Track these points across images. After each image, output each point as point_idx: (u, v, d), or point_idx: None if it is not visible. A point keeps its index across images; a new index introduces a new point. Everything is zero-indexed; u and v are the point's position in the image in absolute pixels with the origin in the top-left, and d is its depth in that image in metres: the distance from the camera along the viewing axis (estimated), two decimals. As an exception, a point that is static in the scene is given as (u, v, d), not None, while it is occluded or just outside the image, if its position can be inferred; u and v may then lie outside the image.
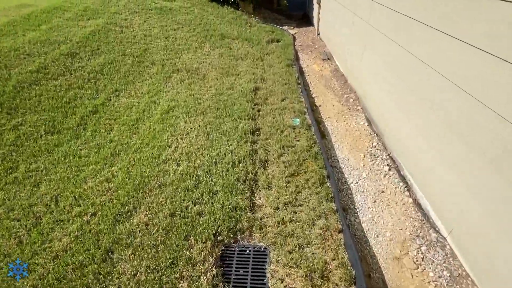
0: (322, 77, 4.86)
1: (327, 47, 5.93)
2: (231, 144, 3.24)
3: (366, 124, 3.48)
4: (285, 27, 7.62)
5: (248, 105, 3.99)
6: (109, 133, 3.39)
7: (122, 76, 4.50)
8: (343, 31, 4.58)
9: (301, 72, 5.19)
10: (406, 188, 2.54)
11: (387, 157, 2.91)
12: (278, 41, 6.68)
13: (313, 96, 4.37)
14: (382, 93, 3.25)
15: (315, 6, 7.08)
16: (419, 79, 2.44)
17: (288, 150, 3.14)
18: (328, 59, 5.41)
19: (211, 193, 2.60)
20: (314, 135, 3.39)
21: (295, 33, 7.24)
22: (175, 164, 2.95)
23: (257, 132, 3.52)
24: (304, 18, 8.39)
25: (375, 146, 3.08)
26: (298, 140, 3.31)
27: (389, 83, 3.03)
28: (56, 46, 4.69)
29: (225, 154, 3.08)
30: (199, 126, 3.55)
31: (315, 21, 7.31)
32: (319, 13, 6.41)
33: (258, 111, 3.97)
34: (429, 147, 2.34)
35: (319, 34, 6.76)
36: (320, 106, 4.03)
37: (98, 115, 3.68)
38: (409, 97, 2.62)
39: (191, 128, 3.51)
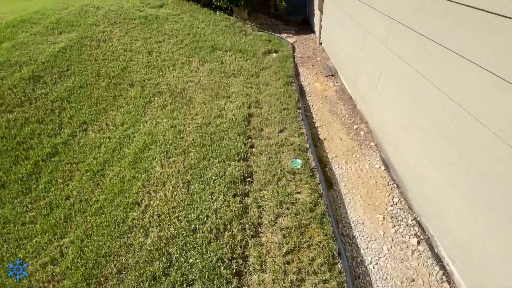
0: (326, 99, 4.21)
1: (331, 61, 5.27)
2: (216, 200, 2.61)
3: (383, 168, 2.84)
4: (284, 35, 6.95)
5: (239, 140, 3.35)
6: (67, 185, 2.76)
7: (94, 103, 3.87)
8: (352, 48, 3.92)
9: (301, 92, 4.54)
10: (444, 276, 1.91)
11: (414, 222, 2.28)
12: (275, 52, 6.02)
13: (316, 125, 3.73)
14: (402, 132, 2.61)
15: (317, 12, 6.41)
16: (455, 127, 1.81)
17: (287, 209, 2.50)
18: (333, 75, 4.76)
19: (184, 285, 1.98)
20: (319, 183, 2.76)
21: (295, 41, 6.57)
22: (143, 233, 2.32)
23: (249, 179, 2.88)
24: (304, 24, 7.72)
25: (396, 204, 2.44)
26: (299, 193, 2.67)
27: (414, 122, 2.40)
28: (17, 68, 4.06)
29: (207, 216, 2.45)
30: (179, 172, 2.91)
31: (316, 28, 6.64)
32: (321, 21, 5.74)
33: (251, 147, 3.34)
34: (477, 221, 1.71)
35: (321, 43, 6.09)
36: (325, 140, 3.39)
37: (57, 158, 3.05)
38: (444, 146, 1.99)
39: (168, 176, 2.87)
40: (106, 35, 5.27)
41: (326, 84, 4.56)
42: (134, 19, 6.06)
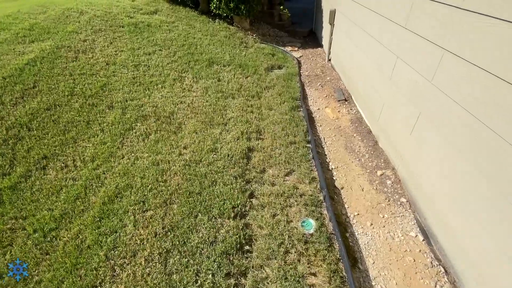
0: (340, 130, 3.57)
1: (343, 82, 4.66)
2: (202, 285, 1.94)
3: (421, 238, 2.20)
4: (288, 48, 6.35)
5: (236, 186, 2.69)
6: (4, 254, 2.07)
7: (61, 131, 3.19)
8: (373, 74, 3.29)
9: (310, 119, 3.90)
10: None
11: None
12: (279, 68, 5.40)
13: (330, 166, 3.08)
14: (453, 197, 1.98)
15: (325, 24, 5.82)
16: None
17: (299, 304, 1.84)
18: (346, 100, 4.14)
19: None
20: (339, 260, 2.10)
21: (300, 56, 5.97)
22: None
23: (248, 247, 2.21)
24: (310, 36, 7.14)
25: (448, 302, 1.80)
26: (314, 274, 2.01)
27: (475, 188, 1.77)
28: (-31, 85, 3.39)
29: (188, 315, 1.77)
30: (156, 235, 2.24)
31: (324, 42, 6.05)
32: (331, 35, 5.15)
33: (251, 196, 2.67)
34: None
35: (330, 60, 5.50)
36: (342, 188, 2.74)
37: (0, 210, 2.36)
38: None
39: (141, 241, 2.20)
40: (87, 45, 4.61)
41: (339, 111, 3.93)
42: (122, 27, 5.41)
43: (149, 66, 4.61)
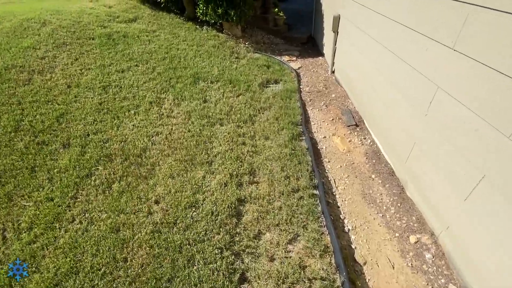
0: (354, 169, 2.87)
1: (351, 101, 3.96)
2: None
3: None
4: (285, 58, 5.64)
5: (221, 265, 1.98)
6: None
7: (-6, 184, 2.46)
8: (401, 107, 2.47)
9: (315, 152, 3.18)
10: None
11: None
12: (276, 82, 4.70)
13: (345, 226, 2.36)
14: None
15: (327, 31, 5.12)
16: None
17: None
18: (356, 125, 3.44)
19: None
20: None
21: (299, 67, 5.27)
22: None
23: None
24: (309, 42, 6.44)
25: None
26: None
27: None
28: None
29: None
30: None
31: (326, 51, 5.35)
32: (335, 44, 4.45)
33: (242, 279, 1.96)
34: None
35: (333, 72, 4.80)
36: (365, 264, 2.03)
37: None
38: None
39: None
40: (46, 63, 3.86)
41: (350, 141, 3.23)
42: (93, 39, 4.66)
43: (121, 87, 3.87)
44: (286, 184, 2.66)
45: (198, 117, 3.59)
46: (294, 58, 5.61)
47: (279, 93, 4.27)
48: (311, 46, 6.25)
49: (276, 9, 7.37)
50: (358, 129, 3.40)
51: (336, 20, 4.17)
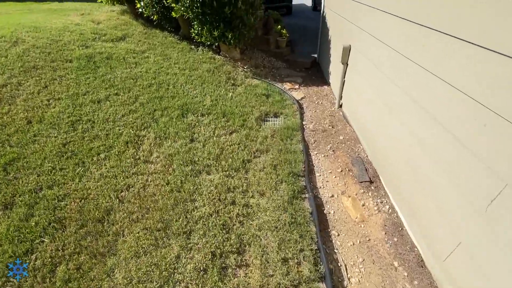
0: (370, 250, 2.26)
1: (362, 145, 3.39)
2: None
3: None
4: (287, 85, 5.12)
5: None
6: None
7: None
8: (441, 187, 1.87)
9: (321, 219, 2.58)
10: None
11: None
12: (276, 116, 4.14)
13: None
14: None
15: (334, 60, 4.62)
16: None
17: None
18: (371, 181, 2.86)
19: None
20: None
21: (302, 98, 4.73)
22: None
23: None
24: (314, 67, 5.95)
25: None
26: None
27: None
28: None
29: None
30: None
31: (332, 80, 4.84)
32: (343, 77, 3.93)
33: None
34: None
35: (341, 106, 4.26)
36: None
37: None
38: None
39: None
40: (6, 93, 3.30)
41: (363, 204, 2.63)
42: (70, 61, 4.13)
43: (93, 122, 3.30)
44: (284, 272, 2.05)
45: (182, 162, 3.01)
46: (297, 86, 5.08)
47: (279, 131, 3.70)
48: (315, 72, 5.75)
49: (279, 26, 6.92)
50: (373, 187, 2.81)
51: (347, 51, 3.65)
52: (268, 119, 4.09)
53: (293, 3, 13.32)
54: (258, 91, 4.63)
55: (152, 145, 3.22)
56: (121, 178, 2.74)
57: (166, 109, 3.80)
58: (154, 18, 5.47)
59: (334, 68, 4.62)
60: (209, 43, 5.25)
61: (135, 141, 3.22)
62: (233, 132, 3.65)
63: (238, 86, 4.77)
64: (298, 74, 5.60)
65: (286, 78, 5.42)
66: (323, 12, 5.38)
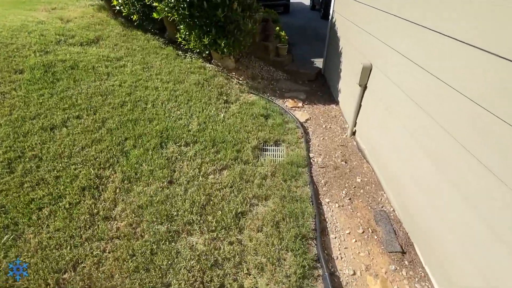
0: None
1: (386, 193, 2.71)
2: None
3: None
4: (289, 102, 4.40)
5: None
6: None
7: None
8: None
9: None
10: None
11: None
12: (277, 144, 3.43)
13: None
14: None
15: (347, 78, 3.93)
16: None
17: None
18: (403, 252, 2.20)
19: None
20: None
21: (307, 120, 4.02)
22: None
23: None
24: (318, 80, 5.24)
25: None
26: None
27: None
28: None
29: None
30: None
31: (342, 98, 4.15)
32: (360, 100, 3.24)
33: None
34: None
35: (354, 133, 3.57)
36: None
37: None
38: None
39: None
40: None
41: (397, 290, 1.97)
42: (20, 72, 3.30)
43: (40, 159, 2.52)
44: None
45: (155, 219, 2.28)
46: (300, 104, 4.37)
47: (281, 168, 2.99)
48: (320, 86, 5.04)
49: (278, 28, 6.18)
50: (406, 261, 2.14)
51: (367, 72, 2.96)
52: (268, 148, 3.37)
53: (290, 1, 12.58)
54: (256, 110, 3.90)
55: (117, 191, 2.46)
56: (68, 248, 1.99)
57: (140, 137, 3.04)
58: (134, 18, 4.65)
59: (346, 87, 3.93)
60: (198, 50, 4.46)
61: (95, 186, 2.45)
62: (224, 169, 2.92)
63: (232, 103, 4.02)
64: (301, 88, 4.88)
65: (287, 93, 4.70)
66: (332, 18, 4.66)
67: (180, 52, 4.89)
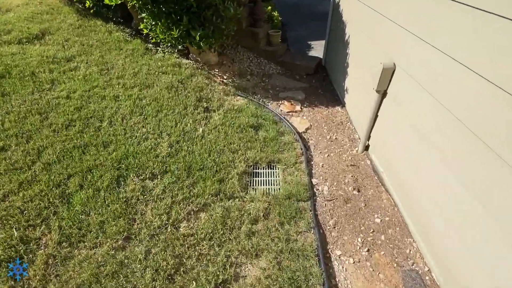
0: None
1: (417, 242, 2.02)
2: None
3: None
4: (284, 106, 3.62)
5: None
6: None
7: None
8: None
9: None
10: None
11: None
12: (271, 166, 2.71)
13: None
14: None
15: (353, 72, 3.13)
16: None
17: None
18: None
19: None
20: None
21: (307, 128, 3.27)
22: None
23: None
24: (318, 74, 4.41)
25: None
26: None
27: None
28: None
29: None
30: None
31: (350, 100, 3.38)
32: (377, 110, 2.48)
33: None
34: None
35: (367, 148, 2.85)
36: None
37: None
38: None
39: None
40: None
41: None
42: None
43: None
44: None
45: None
46: (298, 107, 3.59)
47: (277, 204, 2.31)
48: (321, 80, 4.23)
49: (270, 7, 5.25)
50: None
51: (388, 74, 2.18)
52: (259, 171, 2.66)
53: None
54: (244, 119, 3.14)
55: (50, 262, 1.77)
56: None
57: (90, 172, 2.30)
58: (87, 5, 3.71)
59: (356, 87, 3.15)
60: (170, 43, 3.59)
61: (16, 258, 1.76)
62: (202, 210, 2.24)
63: (215, 111, 3.25)
64: (299, 85, 4.08)
65: (282, 92, 3.90)
66: (335, -4, 3.76)
67: (150, 45, 4.01)
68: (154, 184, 2.34)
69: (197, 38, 3.09)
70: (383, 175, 2.53)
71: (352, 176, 2.63)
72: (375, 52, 2.52)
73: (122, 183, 2.29)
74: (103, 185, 2.23)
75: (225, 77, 3.91)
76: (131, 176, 2.35)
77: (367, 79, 2.62)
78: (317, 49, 5.03)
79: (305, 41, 5.57)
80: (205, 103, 3.31)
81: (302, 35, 5.73)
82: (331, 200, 2.42)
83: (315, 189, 2.54)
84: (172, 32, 3.03)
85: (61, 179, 2.21)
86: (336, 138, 3.13)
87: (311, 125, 3.32)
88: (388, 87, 2.29)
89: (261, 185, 2.55)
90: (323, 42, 4.54)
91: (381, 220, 2.22)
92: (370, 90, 2.45)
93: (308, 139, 3.15)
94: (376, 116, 2.55)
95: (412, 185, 2.09)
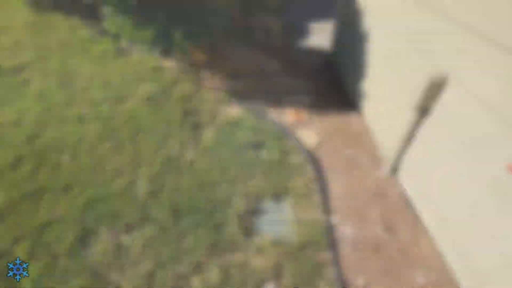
0: None
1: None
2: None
3: None
4: (288, 115, 3.01)
5: None
6: None
7: None
8: None
9: None
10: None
11: None
12: (276, 198, 2.18)
13: None
14: None
15: (375, 71, 2.53)
16: None
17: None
18: None
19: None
20: None
21: (318, 144, 2.71)
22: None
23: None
24: (326, 71, 3.76)
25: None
26: None
27: None
28: None
29: None
30: None
31: (368, 106, 2.80)
32: (413, 131, 1.93)
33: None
34: None
35: (395, 170, 2.32)
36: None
37: None
38: None
39: None
40: None
41: None
42: None
43: None
44: None
45: None
46: (305, 115, 3.00)
47: (289, 256, 1.81)
48: (329, 79, 3.60)
49: None
50: None
51: (436, 88, 1.61)
52: (264, 209, 2.14)
53: None
54: (241, 137, 2.57)
55: None
56: None
57: (43, 231, 1.76)
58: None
59: (378, 93, 2.56)
60: (152, 39, 2.90)
61: None
62: (193, 274, 1.73)
63: (205, 127, 2.66)
64: (304, 87, 3.44)
65: (285, 96, 3.29)
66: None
67: (124, 45, 3.33)
68: (131, 239, 1.82)
69: (177, 38, 2.43)
70: (422, 213, 2.02)
71: (380, 210, 2.12)
72: (411, 55, 1.92)
73: (87, 240, 1.76)
74: (62, 248, 1.70)
75: (216, 80, 3.28)
76: (101, 230, 1.82)
77: (395, 84, 2.04)
78: (320, 34, 4.29)
79: (306, 26, 4.79)
80: (193, 117, 2.72)
81: (303, 17, 4.88)
82: (356, 249, 1.91)
83: (333, 230, 2.03)
84: (144, 32, 2.37)
85: (3, 245, 1.67)
86: (354, 157, 2.58)
87: (321, 139, 2.76)
88: (433, 103, 1.72)
89: (267, 226, 2.04)
90: (327, 26, 3.84)
91: (424, 278, 1.73)
92: (404, 102, 1.88)
93: (320, 158, 2.60)
94: (412, 136, 2.00)
95: (466, 232, 1.59)
